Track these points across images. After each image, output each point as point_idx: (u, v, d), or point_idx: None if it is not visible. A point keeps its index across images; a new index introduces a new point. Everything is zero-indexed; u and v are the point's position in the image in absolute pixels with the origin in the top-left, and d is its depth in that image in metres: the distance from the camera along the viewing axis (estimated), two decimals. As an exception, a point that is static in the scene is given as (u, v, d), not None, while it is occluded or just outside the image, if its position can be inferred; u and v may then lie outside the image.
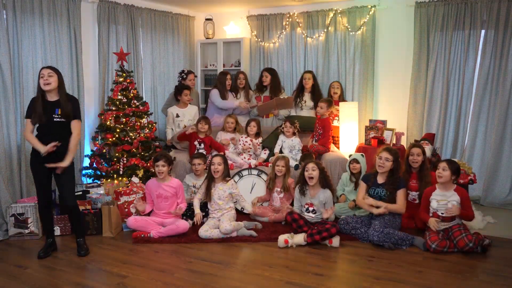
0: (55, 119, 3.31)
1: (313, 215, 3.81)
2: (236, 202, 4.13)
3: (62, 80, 3.40)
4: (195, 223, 3.95)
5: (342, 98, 5.40)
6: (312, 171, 3.78)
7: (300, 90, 5.43)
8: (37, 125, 3.36)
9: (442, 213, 3.54)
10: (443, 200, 3.55)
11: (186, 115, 5.19)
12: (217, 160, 4.01)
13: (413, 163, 4.00)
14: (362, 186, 3.95)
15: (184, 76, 5.45)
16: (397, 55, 5.30)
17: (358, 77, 5.45)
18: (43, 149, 3.24)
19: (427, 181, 3.90)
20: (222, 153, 4.53)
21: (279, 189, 4.33)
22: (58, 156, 3.32)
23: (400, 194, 3.76)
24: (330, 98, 5.30)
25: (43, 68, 3.34)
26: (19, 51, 4.08)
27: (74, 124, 3.40)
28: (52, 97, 3.34)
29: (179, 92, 5.15)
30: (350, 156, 4.49)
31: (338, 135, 5.20)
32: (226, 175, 4.06)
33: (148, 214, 4.04)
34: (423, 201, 3.71)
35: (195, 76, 5.69)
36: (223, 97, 5.32)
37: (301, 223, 3.71)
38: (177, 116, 5.18)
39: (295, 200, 3.98)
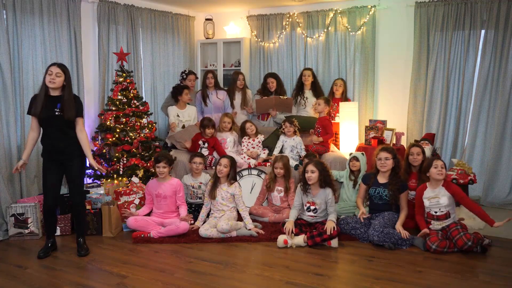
0: (56, 113, 3.33)
1: (314, 214, 3.80)
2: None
3: (70, 80, 3.40)
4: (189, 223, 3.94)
5: (345, 96, 5.40)
6: (311, 173, 3.75)
7: (299, 87, 5.44)
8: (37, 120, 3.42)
9: (435, 212, 3.55)
10: (434, 197, 3.57)
11: (185, 116, 5.19)
12: (224, 161, 4.01)
13: (413, 162, 4.01)
14: (362, 187, 3.96)
15: (184, 77, 5.44)
16: (397, 55, 5.31)
17: (358, 77, 5.45)
18: (21, 161, 3.47)
19: (426, 180, 3.90)
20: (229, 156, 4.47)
21: (280, 188, 4.32)
22: (64, 154, 3.40)
23: (404, 197, 3.79)
24: (332, 95, 5.33)
25: (53, 65, 3.33)
26: (19, 51, 4.07)
27: (81, 123, 3.47)
28: (55, 93, 3.36)
29: (179, 92, 5.14)
30: (350, 154, 4.49)
31: (338, 131, 5.20)
32: (232, 178, 4.06)
33: (148, 215, 4.05)
34: (417, 203, 3.72)
35: (197, 78, 5.69)
36: (204, 97, 5.34)
37: (296, 231, 3.68)
38: (177, 116, 5.17)
39: (296, 196, 3.93)
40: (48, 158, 3.44)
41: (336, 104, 5.32)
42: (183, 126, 5.14)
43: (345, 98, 5.37)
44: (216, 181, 4.05)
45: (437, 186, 3.60)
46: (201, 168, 4.36)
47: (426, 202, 3.60)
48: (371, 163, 4.10)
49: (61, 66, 3.35)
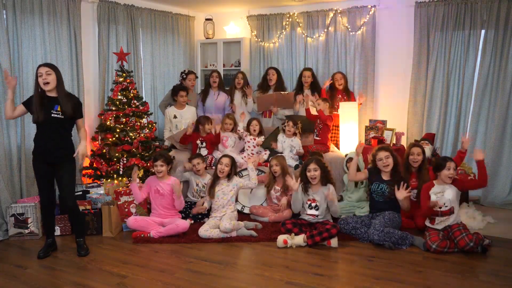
0: (53, 115, 3.29)
1: (316, 211, 3.80)
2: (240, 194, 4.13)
3: (61, 77, 3.36)
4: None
5: (346, 89, 5.38)
6: (314, 171, 3.77)
7: (299, 87, 5.43)
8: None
9: (440, 207, 3.56)
10: (441, 192, 3.58)
11: (184, 116, 5.19)
12: (226, 160, 4.03)
13: (413, 162, 4.02)
14: (365, 171, 3.97)
15: (184, 76, 5.44)
16: (397, 55, 5.31)
17: (358, 77, 5.45)
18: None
19: (425, 179, 3.92)
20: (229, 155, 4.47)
21: (278, 188, 4.32)
22: (55, 156, 3.36)
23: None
24: (335, 89, 5.30)
25: (40, 66, 3.30)
26: (19, 51, 4.07)
27: (80, 123, 3.49)
28: (52, 93, 3.33)
29: (175, 92, 5.16)
30: (346, 155, 4.50)
31: (339, 124, 5.20)
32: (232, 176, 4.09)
33: (148, 214, 4.05)
34: (423, 196, 3.69)
35: (196, 77, 5.69)
36: (206, 96, 5.36)
37: (295, 231, 3.69)
38: (175, 117, 5.17)
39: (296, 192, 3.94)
40: (37, 158, 3.39)
41: (339, 96, 5.28)
42: (181, 127, 5.14)
43: (347, 90, 5.33)
44: (215, 181, 4.05)
45: (445, 184, 3.61)
46: (201, 167, 4.35)
47: (433, 197, 3.61)
48: (367, 163, 4.11)
49: (48, 65, 3.32)
